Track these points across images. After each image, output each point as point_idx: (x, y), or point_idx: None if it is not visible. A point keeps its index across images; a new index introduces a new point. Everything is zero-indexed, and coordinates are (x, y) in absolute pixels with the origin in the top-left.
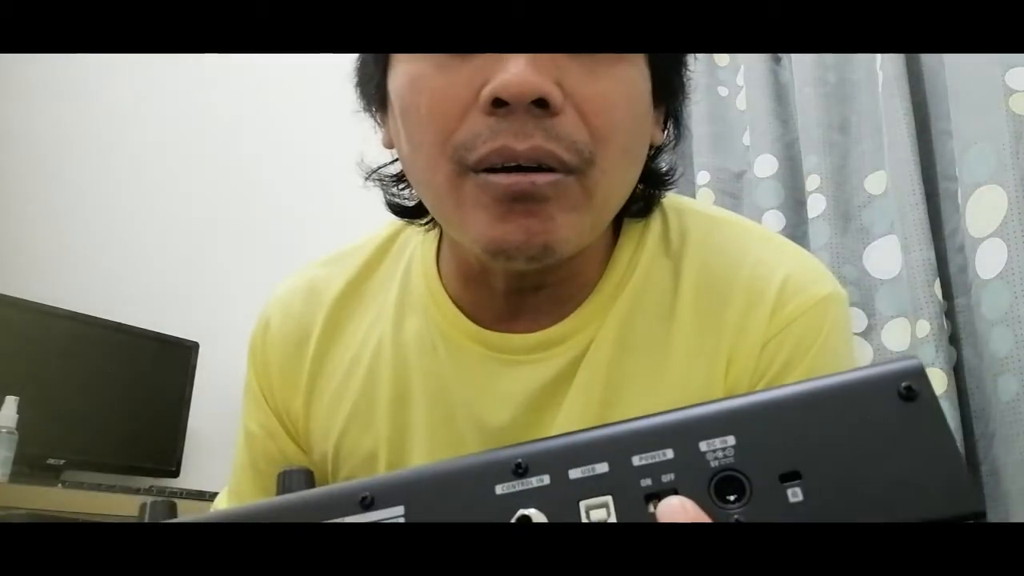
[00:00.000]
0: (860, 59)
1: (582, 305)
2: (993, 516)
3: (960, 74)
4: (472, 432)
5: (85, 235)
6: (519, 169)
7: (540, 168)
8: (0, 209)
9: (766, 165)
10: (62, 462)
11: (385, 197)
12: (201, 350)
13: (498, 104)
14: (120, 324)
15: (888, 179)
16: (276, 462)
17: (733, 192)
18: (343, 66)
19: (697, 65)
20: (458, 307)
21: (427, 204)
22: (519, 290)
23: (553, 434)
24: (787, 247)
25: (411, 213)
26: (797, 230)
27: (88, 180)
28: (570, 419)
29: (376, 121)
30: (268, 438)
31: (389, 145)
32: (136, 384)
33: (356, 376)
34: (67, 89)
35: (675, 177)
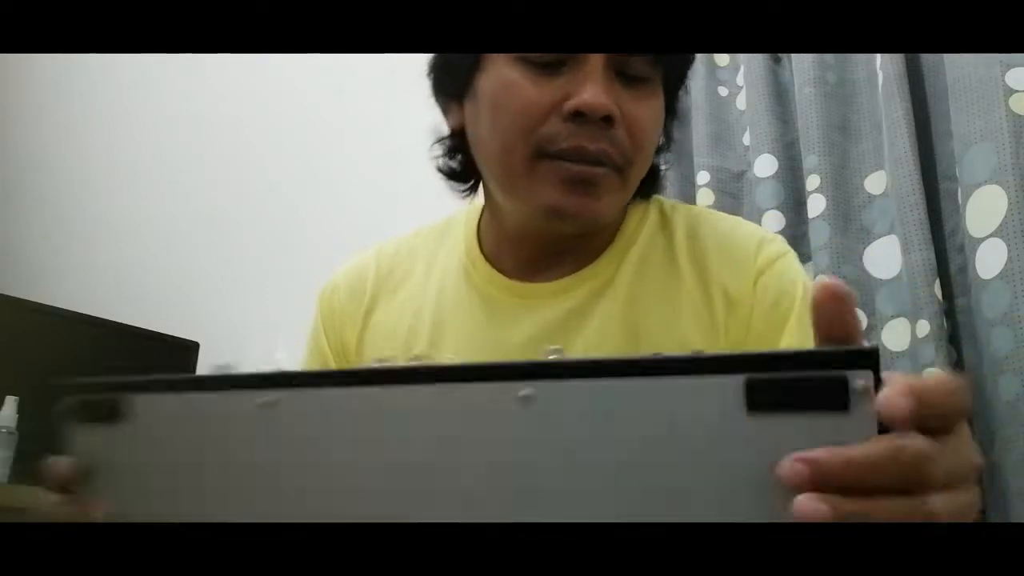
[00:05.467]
0: (860, 59)
1: (592, 264)
2: (993, 516)
3: (960, 74)
4: (495, 354)
5: (85, 235)
6: (585, 161)
7: (598, 163)
8: (0, 209)
9: (766, 165)
10: None
11: (438, 162)
12: (201, 350)
13: (577, 115)
14: (120, 324)
15: (888, 179)
16: None
17: (733, 192)
18: (346, 70)
19: (697, 65)
20: (492, 266)
21: (492, 174)
22: (548, 251)
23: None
24: (747, 222)
25: (455, 177)
26: (797, 230)
27: (88, 180)
28: (591, 343)
29: (441, 107)
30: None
31: (458, 126)
32: None
33: (405, 317)
34: (67, 89)
35: (665, 171)
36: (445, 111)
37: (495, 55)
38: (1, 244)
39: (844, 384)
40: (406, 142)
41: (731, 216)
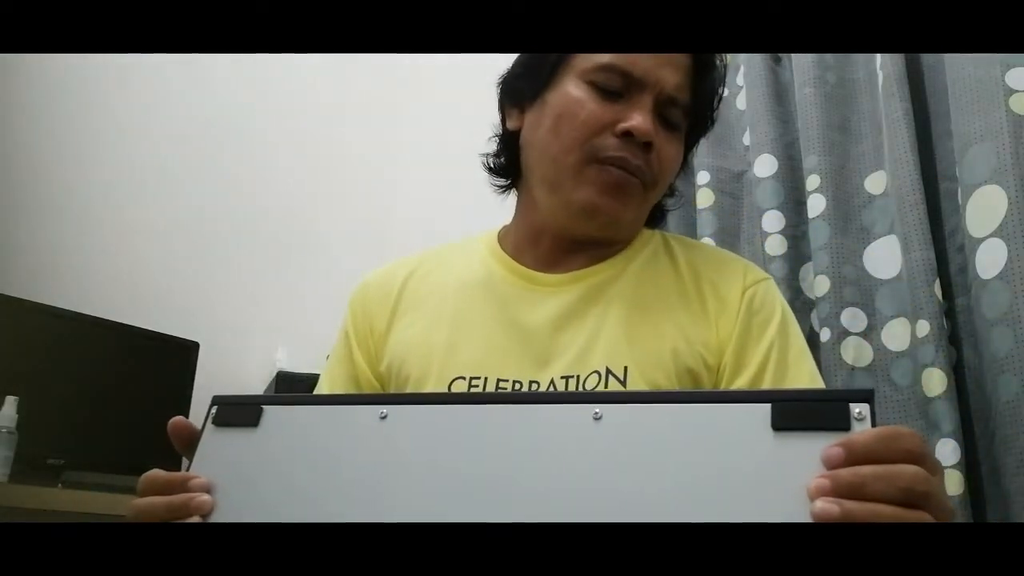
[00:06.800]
0: (860, 59)
1: (602, 262)
2: (993, 516)
3: (960, 74)
4: (515, 334)
5: (85, 235)
6: (624, 170)
7: (635, 176)
8: (0, 209)
9: (766, 165)
10: (62, 462)
11: (487, 160)
12: (201, 350)
13: (627, 135)
14: (120, 324)
15: (888, 179)
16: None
17: (733, 192)
18: (343, 71)
19: None
20: (513, 260)
21: (543, 172)
22: (566, 248)
23: (581, 334)
24: (735, 255)
25: (496, 172)
26: (797, 230)
27: (88, 180)
28: (600, 321)
29: (503, 111)
30: (349, 364)
31: (516, 129)
32: (136, 384)
33: (430, 304)
34: (68, 90)
35: (672, 208)
36: (507, 115)
37: (566, 76)
38: (1, 244)
39: (846, 410)
40: (408, 147)
41: (718, 249)
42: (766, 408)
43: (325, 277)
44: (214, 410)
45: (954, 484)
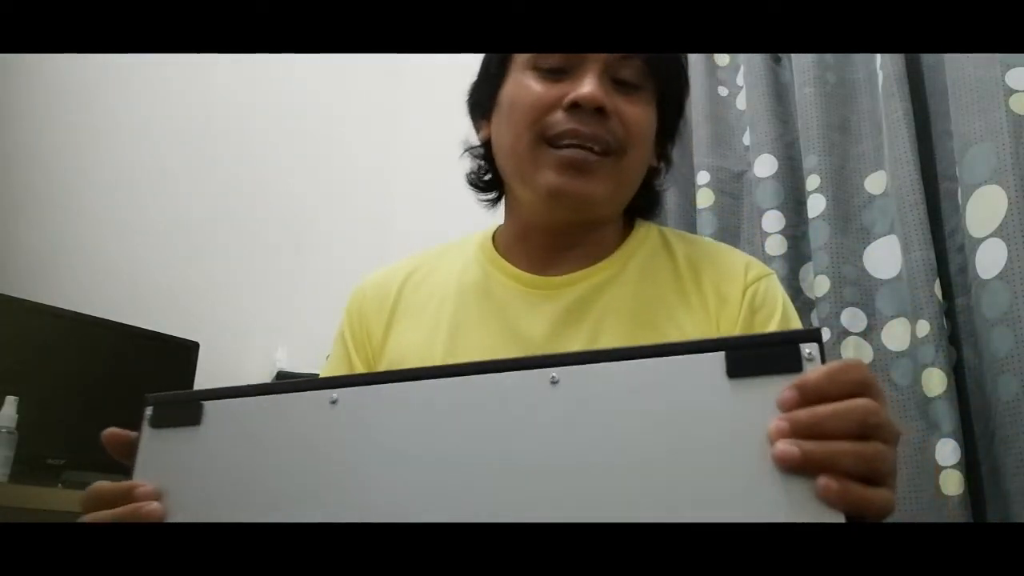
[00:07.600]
0: (860, 59)
1: (600, 262)
2: (993, 516)
3: (960, 74)
4: (513, 341)
5: (85, 235)
6: (579, 146)
7: (592, 150)
8: (0, 209)
9: (766, 165)
10: (62, 462)
11: (467, 174)
12: (201, 350)
13: (574, 106)
14: (120, 324)
15: (888, 179)
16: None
17: (733, 192)
18: (341, 70)
19: (697, 65)
20: (507, 262)
21: (507, 165)
22: (558, 245)
23: (579, 340)
24: (735, 249)
25: (481, 187)
26: (797, 230)
27: (88, 180)
28: (598, 327)
29: (475, 125)
30: (347, 369)
31: (487, 138)
32: (136, 384)
33: (428, 310)
34: (67, 89)
35: (665, 190)
36: (478, 128)
37: (514, 70)
38: (1, 244)
39: (797, 352)
40: (407, 147)
41: (719, 244)
42: (720, 356)
43: (325, 277)
44: (149, 411)
45: (954, 484)
